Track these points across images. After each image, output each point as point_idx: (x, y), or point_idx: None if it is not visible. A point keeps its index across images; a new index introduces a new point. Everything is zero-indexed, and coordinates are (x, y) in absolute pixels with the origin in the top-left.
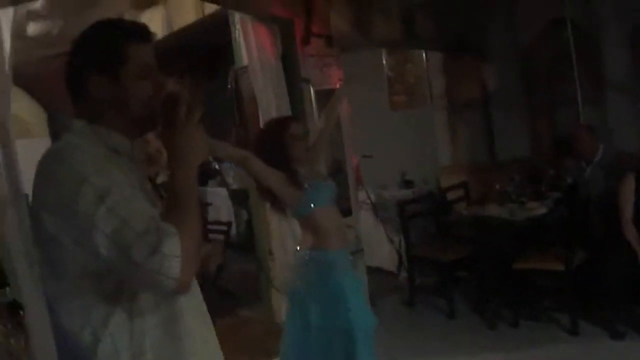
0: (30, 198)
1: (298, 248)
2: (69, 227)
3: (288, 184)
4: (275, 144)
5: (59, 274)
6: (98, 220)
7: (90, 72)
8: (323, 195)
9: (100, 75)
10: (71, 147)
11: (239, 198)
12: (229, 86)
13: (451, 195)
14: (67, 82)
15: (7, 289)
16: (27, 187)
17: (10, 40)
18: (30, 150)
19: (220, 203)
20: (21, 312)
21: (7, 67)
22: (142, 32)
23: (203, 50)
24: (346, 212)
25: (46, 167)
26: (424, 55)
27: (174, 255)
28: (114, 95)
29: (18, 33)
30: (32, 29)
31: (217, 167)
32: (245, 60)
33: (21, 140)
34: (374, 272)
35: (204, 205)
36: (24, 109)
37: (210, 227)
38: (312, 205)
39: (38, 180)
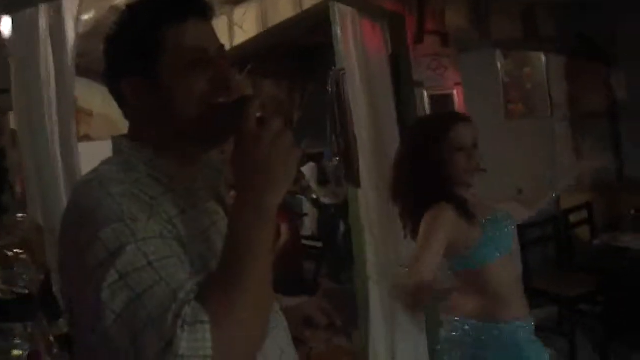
0: None
1: (456, 318)
2: (78, 296)
3: (459, 219)
4: (433, 159)
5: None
6: (104, 289)
7: (123, 75)
8: (506, 236)
9: (134, 77)
10: (95, 186)
11: (333, 211)
12: (329, 89)
13: (573, 218)
14: (109, 90)
15: (61, 320)
16: None
17: (74, 35)
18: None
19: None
20: None
21: (70, 64)
22: (186, 6)
23: (301, 50)
24: None
25: (67, 208)
26: (543, 58)
27: (199, 356)
28: (156, 102)
29: (102, 32)
30: None
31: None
32: (348, 61)
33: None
34: None
35: (299, 218)
36: (114, 108)
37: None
38: (497, 253)
39: (61, 223)
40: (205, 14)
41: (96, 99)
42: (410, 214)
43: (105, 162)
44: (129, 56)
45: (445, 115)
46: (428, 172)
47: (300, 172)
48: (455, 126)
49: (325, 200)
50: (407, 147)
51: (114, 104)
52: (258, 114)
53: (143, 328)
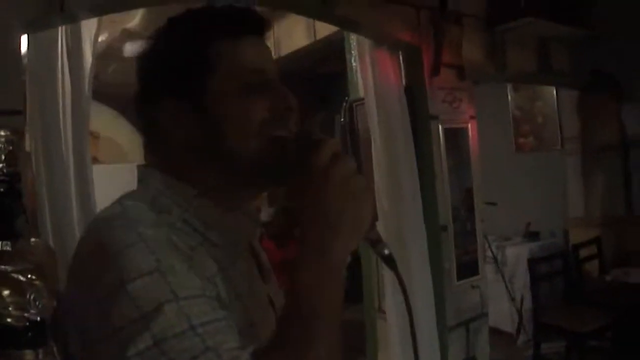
0: None
1: None
2: (91, 351)
3: None
4: None
5: None
6: (133, 356)
7: (162, 97)
8: None
9: (177, 100)
10: (122, 224)
11: None
12: (342, 120)
13: (583, 253)
14: (137, 113)
15: None
16: None
17: (92, 58)
18: (125, 175)
19: None
20: None
21: (87, 86)
22: (241, 20)
23: (313, 78)
24: (473, 268)
25: (83, 248)
26: (554, 92)
27: None
28: (201, 130)
29: (113, 54)
30: (129, 49)
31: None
32: (362, 92)
33: (116, 165)
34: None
35: None
36: (121, 132)
37: None
38: None
39: (72, 263)
40: (262, 30)
41: (102, 121)
42: None
43: (128, 197)
44: (170, 75)
45: None
46: None
47: (373, 224)
48: None
49: None
50: None
51: (120, 128)
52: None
53: None
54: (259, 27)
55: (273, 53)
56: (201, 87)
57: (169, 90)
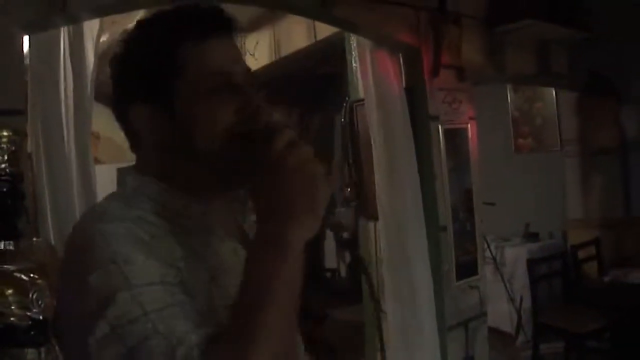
0: None
1: None
2: (72, 342)
3: None
4: None
5: None
6: (94, 343)
7: (132, 101)
8: None
9: (146, 104)
10: (95, 217)
11: (340, 242)
12: (342, 120)
13: (581, 254)
14: (115, 115)
15: None
16: None
17: (94, 58)
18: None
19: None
20: None
21: (89, 86)
22: (208, 21)
23: (313, 79)
24: (472, 268)
25: (65, 244)
26: (554, 93)
27: None
28: (170, 133)
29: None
30: None
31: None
32: (362, 92)
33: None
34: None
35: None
36: (119, 132)
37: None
38: None
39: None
40: (230, 31)
41: (102, 122)
42: None
43: (108, 197)
44: (139, 80)
45: None
46: None
47: (330, 209)
48: None
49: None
50: None
51: (119, 128)
52: (287, 142)
53: None
54: (227, 27)
55: (273, 54)
56: (170, 91)
57: (140, 93)
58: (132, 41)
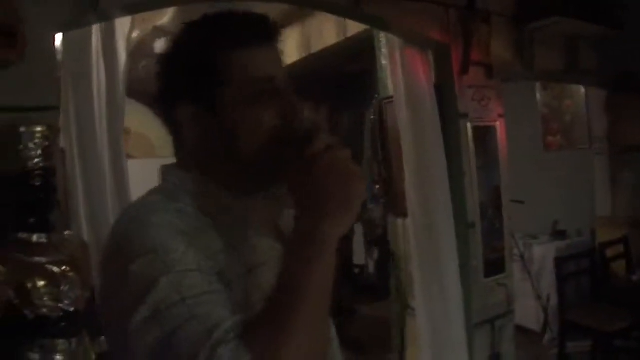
0: None
1: None
2: (113, 326)
3: None
4: None
5: None
6: (135, 327)
7: (178, 100)
8: None
9: (192, 104)
10: (138, 210)
11: (368, 239)
12: (372, 117)
13: (610, 252)
14: (161, 115)
15: (102, 338)
16: None
17: (125, 55)
18: (154, 170)
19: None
20: None
21: (121, 83)
22: (253, 29)
23: (342, 76)
24: (500, 266)
25: (109, 236)
26: (583, 90)
27: None
28: (214, 132)
29: (144, 51)
30: (160, 46)
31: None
32: (391, 90)
33: (146, 160)
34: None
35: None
36: (151, 128)
37: None
38: None
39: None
40: (272, 38)
41: (134, 117)
42: None
43: (152, 192)
44: (185, 80)
45: None
46: None
47: (364, 206)
48: None
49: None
50: None
51: (151, 124)
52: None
53: None
54: (270, 34)
55: (303, 51)
56: (214, 93)
57: (186, 93)
58: (180, 42)
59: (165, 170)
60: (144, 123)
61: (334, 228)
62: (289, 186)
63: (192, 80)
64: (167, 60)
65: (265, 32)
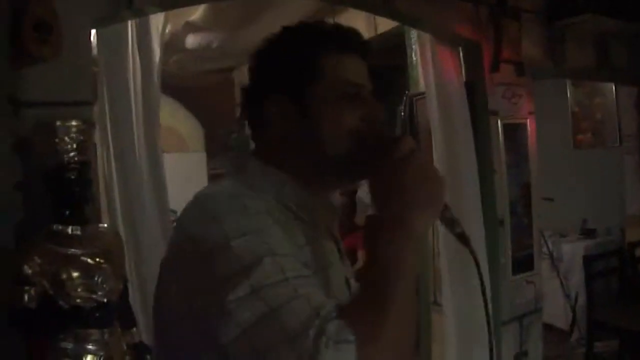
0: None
1: None
2: (194, 309)
3: None
4: None
5: None
6: (233, 301)
7: (270, 93)
8: None
9: (283, 98)
10: (227, 197)
11: None
12: (402, 114)
13: (638, 251)
14: (245, 105)
15: (134, 329)
16: (176, 203)
17: (159, 50)
18: (185, 164)
19: None
20: (148, 357)
21: (156, 77)
22: (347, 39)
23: (373, 73)
24: (528, 264)
25: (187, 216)
26: (613, 88)
27: None
28: (300, 127)
29: (175, 45)
30: (191, 41)
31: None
32: (422, 86)
33: (176, 154)
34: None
35: None
36: (181, 122)
37: None
38: None
39: (175, 230)
40: (364, 52)
41: (164, 111)
42: None
43: (225, 180)
44: (282, 75)
45: None
46: None
47: (446, 205)
48: None
49: None
50: None
51: (181, 118)
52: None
53: (276, 344)
54: (362, 48)
55: None
56: (305, 91)
57: (279, 86)
58: (279, 40)
59: (242, 158)
60: (174, 117)
61: (423, 221)
62: (369, 183)
63: (286, 76)
64: (262, 56)
65: (358, 43)
